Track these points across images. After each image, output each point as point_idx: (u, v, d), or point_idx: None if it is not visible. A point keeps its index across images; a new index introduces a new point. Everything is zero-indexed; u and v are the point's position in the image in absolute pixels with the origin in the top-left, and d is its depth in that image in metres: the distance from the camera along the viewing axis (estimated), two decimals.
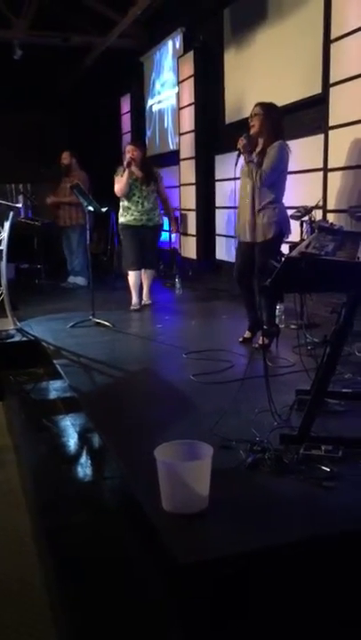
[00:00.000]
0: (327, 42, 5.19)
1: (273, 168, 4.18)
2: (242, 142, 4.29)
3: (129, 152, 5.90)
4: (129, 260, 6.06)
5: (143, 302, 6.15)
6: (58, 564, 2.12)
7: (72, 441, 3.18)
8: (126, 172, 5.81)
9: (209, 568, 1.92)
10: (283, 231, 4.31)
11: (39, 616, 1.90)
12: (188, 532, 2.08)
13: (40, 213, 9.33)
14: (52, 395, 3.96)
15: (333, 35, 5.06)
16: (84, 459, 3.04)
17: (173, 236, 8.78)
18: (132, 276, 6.07)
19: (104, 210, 6.07)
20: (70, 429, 3.32)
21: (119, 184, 5.87)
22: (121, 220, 6.05)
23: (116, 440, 2.93)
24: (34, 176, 10.51)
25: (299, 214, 5.12)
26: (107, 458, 2.95)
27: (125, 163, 5.82)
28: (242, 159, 4.32)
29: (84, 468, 2.89)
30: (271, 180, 4.21)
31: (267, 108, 4.27)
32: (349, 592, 1.94)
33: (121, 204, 6.04)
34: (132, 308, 6.06)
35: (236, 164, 4.36)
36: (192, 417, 3.14)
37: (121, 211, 6.04)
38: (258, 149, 4.29)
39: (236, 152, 4.33)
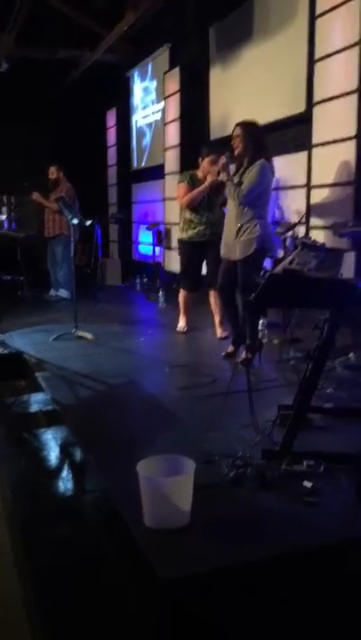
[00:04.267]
0: (311, 61, 5.28)
1: (251, 189, 4.21)
2: (222, 161, 4.34)
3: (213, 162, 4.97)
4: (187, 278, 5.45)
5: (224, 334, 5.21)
6: (37, 578, 2.10)
7: (53, 454, 3.16)
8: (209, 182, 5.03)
9: (190, 583, 1.91)
10: (264, 247, 4.30)
11: (17, 631, 1.88)
12: (170, 547, 2.07)
13: (24, 225, 9.32)
14: (34, 408, 3.93)
15: (317, 55, 5.15)
16: (65, 472, 3.01)
17: (157, 249, 8.82)
18: (185, 296, 5.50)
19: (88, 223, 6.03)
20: (52, 443, 3.29)
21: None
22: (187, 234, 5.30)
23: (97, 454, 2.91)
24: (18, 188, 10.50)
25: (282, 230, 5.19)
26: (88, 472, 2.93)
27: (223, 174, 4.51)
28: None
29: (65, 482, 2.87)
30: (249, 200, 4.23)
31: (247, 128, 4.29)
32: (331, 606, 1.94)
33: (188, 216, 5.26)
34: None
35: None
36: (175, 431, 3.13)
37: (186, 225, 5.28)
38: (243, 167, 4.34)
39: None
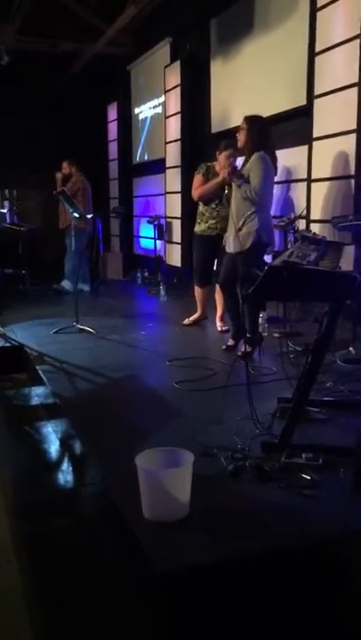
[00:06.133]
0: (312, 54, 5.26)
1: (261, 185, 4.20)
2: (227, 172, 4.38)
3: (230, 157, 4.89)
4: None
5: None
6: (37, 571, 2.11)
7: (53, 447, 3.17)
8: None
9: (188, 576, 1.92)
10: (262, 240, 4.27)
11: (18, 624, 1.89)
12: (168, 539, 2.07)
13: (26, 219, 9.32)
14: (35, 401, 3.94)
15: (318, 48, 5.13)
16: (65, 465, 3.03)
17: (159, 243, 8.82)
18: (197, 292, 5.52)
19: (89, 216, 6.01)
20: (52, 436, 3.31)
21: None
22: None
23: (97, 446, 2.92)
24: (20, 182, 10.49)
25: (283, 223, 5.18)
26: (88, 464, 2.94)
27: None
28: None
29: (65, 475, 2.89)
30: (265, 196, 4.25)
31: (250, 121, 4.30)
32: (327, 598, 1.96)
33: (201, 209, 5.29)
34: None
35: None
36: (174, 424, 3.14)
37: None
38: (245, 160, 4.34)
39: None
